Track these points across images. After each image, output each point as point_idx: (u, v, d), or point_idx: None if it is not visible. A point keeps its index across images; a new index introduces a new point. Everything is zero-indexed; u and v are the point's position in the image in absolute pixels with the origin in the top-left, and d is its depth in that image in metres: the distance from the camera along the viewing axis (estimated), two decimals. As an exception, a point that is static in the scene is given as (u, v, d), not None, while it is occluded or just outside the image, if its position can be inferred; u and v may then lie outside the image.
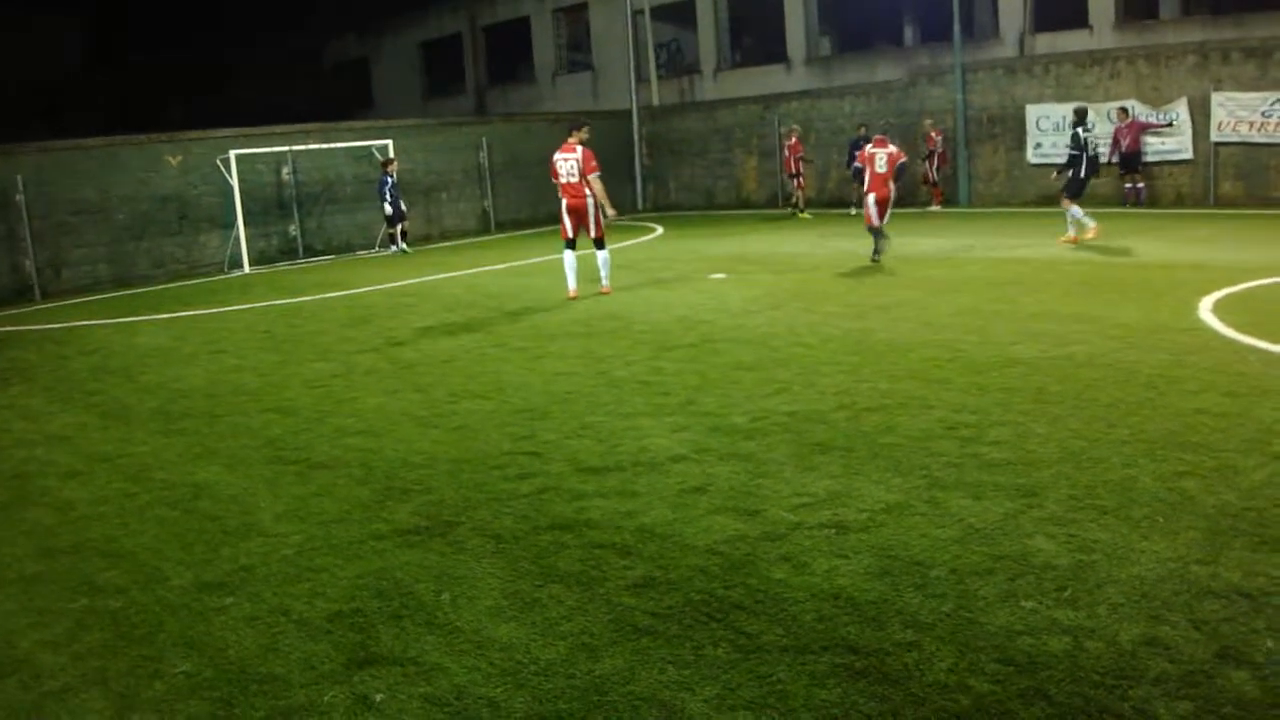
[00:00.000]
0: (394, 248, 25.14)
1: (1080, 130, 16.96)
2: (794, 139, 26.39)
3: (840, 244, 19.46)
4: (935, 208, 25.45)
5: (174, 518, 6.67)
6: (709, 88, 33.08)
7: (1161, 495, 5.70)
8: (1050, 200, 23.55)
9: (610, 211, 14.63)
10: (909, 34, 30.79)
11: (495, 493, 6.57)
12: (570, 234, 14.84)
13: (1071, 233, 17.10)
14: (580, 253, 15.01)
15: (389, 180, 24.29)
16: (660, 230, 25.91)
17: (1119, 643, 4.13)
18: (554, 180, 14.75)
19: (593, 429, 7.88)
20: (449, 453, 7.57)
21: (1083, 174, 16.89)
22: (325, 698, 4.17)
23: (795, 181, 26.47)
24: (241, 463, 7.85)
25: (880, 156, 16.45)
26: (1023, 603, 4.53)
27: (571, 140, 14.56)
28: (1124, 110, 21.60)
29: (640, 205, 32.91)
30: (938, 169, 25.50)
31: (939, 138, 25.29)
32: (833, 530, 5.48)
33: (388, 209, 24.50)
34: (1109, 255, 15.64)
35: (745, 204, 30.23)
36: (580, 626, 4.59)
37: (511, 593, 5.01)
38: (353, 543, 5.89)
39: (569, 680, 4.14)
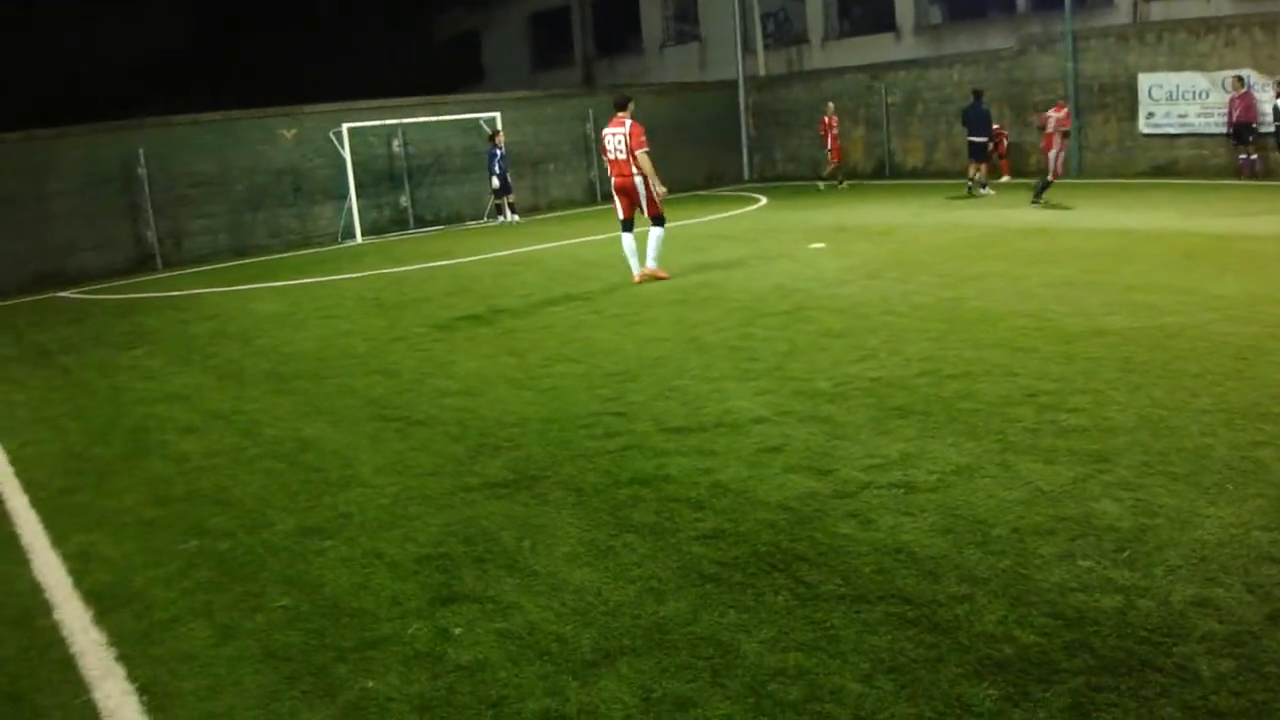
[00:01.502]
0: (501, 218, 25.64)
1: None
2: (830, 116, 27.65)
3: (940, 215, 19.36)
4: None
5: (280, 469, 7.11)
6: (816, 57, 32.87)
7: (1234, 463, 5.73)
8: (1162, 171, 23.10)
9: (660, 189, 13.79)
10: (1021, 0, 30.18)
11: (581, 450, 6.86)
12: (624, 214, 14.10)
13: None
14: (641, 230, 14.31)
15: (498, 152, 24.77)
16: (764, 201, 26.00)
17: (1170, 602, 4.24)
18: (604, 158, 14.21)
19: (679, 392, 8.13)
20: (540, 413, 7.89)
21: None
22: (409, 630, 4.50)
23: (830, 154, 27.76)
24: (346, 420, 8.27)
25: (1053, 119, 20.21)
26: (1080, 562, 4.65)
27: (620, 115, 13.90)
28: (1239, 79, 21.02)
29: (747, 175, 32.96)
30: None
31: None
32: (902, 490, 5.65)
33: (495, 180, 25.00)
34: (1216, 227, 15.33)
35: (851, 174, 30.06)
36: (649, 572, 4.85)
37: (588, 541, 5.30)
38: (444, 494, 6.25)
39: (634, 620, 4.41)
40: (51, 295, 19.83)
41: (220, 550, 5.73)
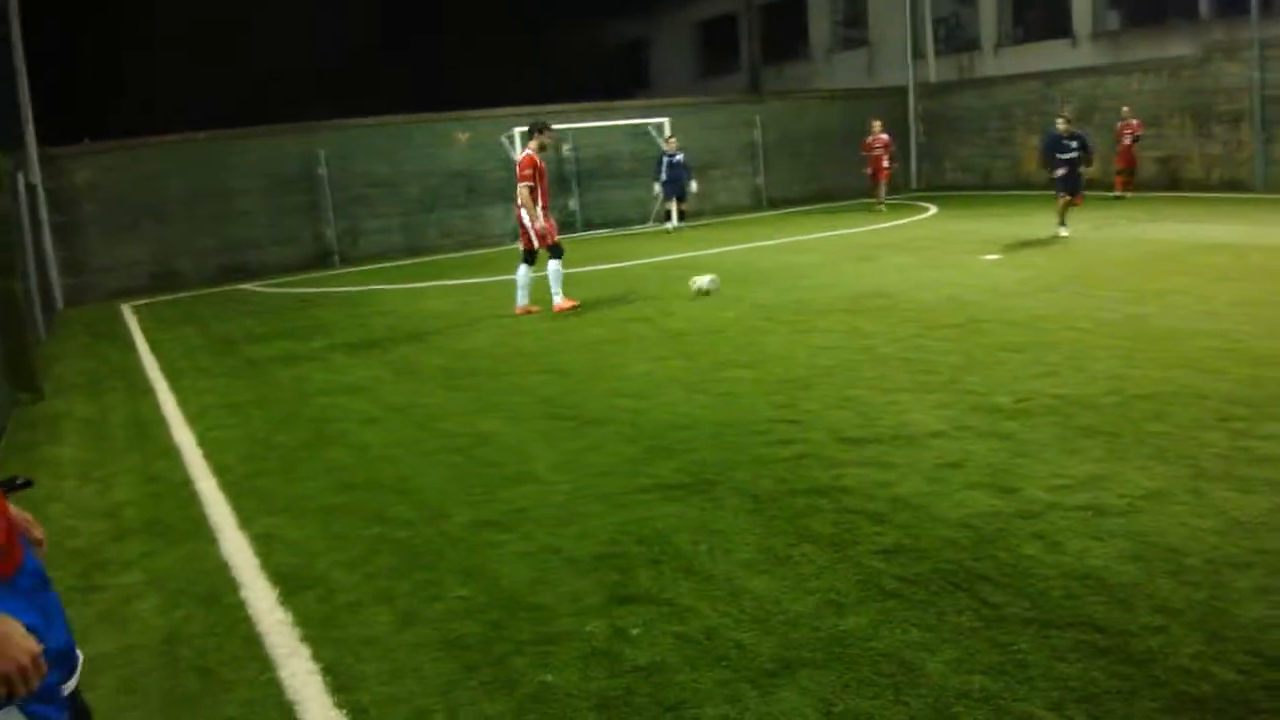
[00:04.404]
0: (669, 223, 25.76)
1: None
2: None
3: (1120, 229, 18.74)
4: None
5: (457, 463, 7.28)
6: (989, 64, 32.12)
7: None
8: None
9: (537, 224, 13.41)
10: (1204, 6, 28.98)
11: (755, 456, 6.83)
12: (523, 245, 13.86)
13: None
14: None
15: (669, 157, 24.85)
16: (934, 210, 25.52)
17: (1385, 644, 4.01)
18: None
19: (853, 402, 8.02)
20: (713, 417, 7.89)
21: None
22: (586, 627, 4.55)
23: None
24: (519, 417, 8.42)
25: None
26: (1281, 597, 4.43)
27: (530, 143, 13.53)
28: None
29: (913, 184, 32.44)
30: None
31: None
32: (1089, 513, 5.46)
33: (656, 188, 25.18)
34: None
35: (1025, 185, 29.26)
36: (829, 584, 4.79)
37: (765, 549, 5.27)
38: (618, 493, 6.30)
39: (814, 631, 4.36)
40: (234, 288, 20.69)
41: (400, 538, 5.88)
